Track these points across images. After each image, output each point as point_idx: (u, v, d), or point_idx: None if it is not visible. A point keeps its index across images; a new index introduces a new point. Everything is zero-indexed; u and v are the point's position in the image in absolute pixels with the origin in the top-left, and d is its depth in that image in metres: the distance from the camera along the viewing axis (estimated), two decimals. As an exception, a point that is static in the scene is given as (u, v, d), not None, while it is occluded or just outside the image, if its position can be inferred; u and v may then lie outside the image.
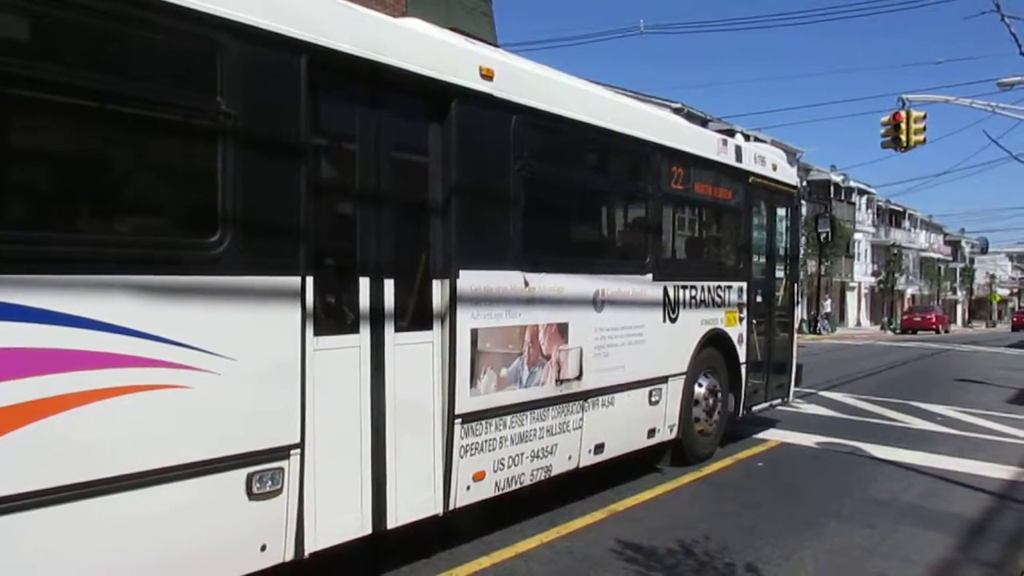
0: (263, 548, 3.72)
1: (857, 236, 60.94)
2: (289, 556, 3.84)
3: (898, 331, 48.57)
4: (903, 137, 17.64)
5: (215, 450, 3.50)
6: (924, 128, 17.89)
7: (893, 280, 59.06)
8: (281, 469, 3.75)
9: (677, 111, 37.11)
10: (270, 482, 3.70)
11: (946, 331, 49.52)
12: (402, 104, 4.50)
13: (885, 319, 54.40)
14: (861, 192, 59.60)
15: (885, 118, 18.07)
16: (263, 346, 3.69)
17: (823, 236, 9.39)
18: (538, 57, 6.00)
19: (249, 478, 3.63)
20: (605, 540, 5.24)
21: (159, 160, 3.54)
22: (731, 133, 29.79)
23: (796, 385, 9.13)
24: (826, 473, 7.31)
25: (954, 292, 76.96)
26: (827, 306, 41.40)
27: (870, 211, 62.47)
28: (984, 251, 57.51)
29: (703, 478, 6.89)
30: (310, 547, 3.92)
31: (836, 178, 52.20)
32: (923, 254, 72.38)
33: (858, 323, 58.26)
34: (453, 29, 5.40)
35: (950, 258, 79.02)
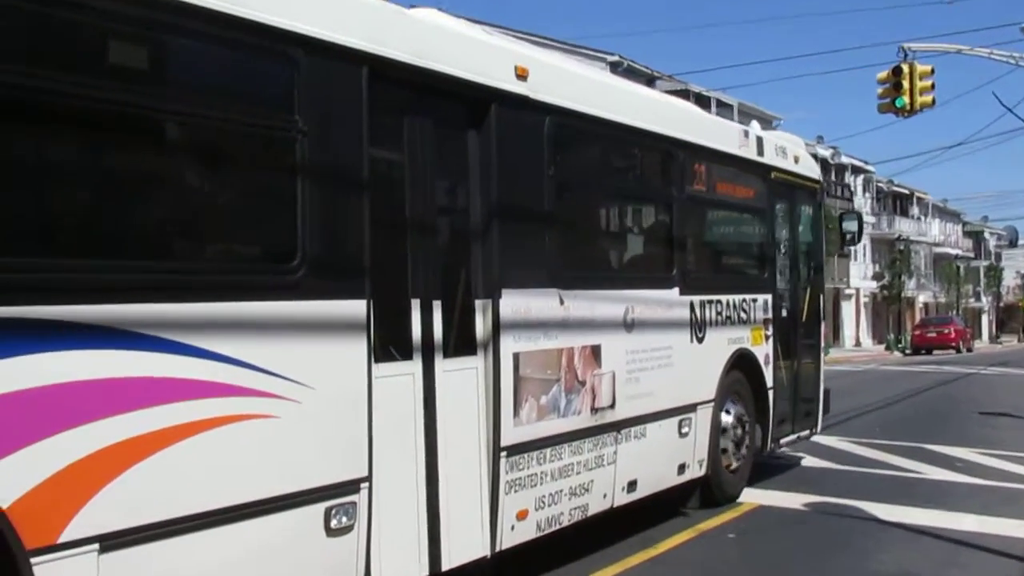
0: (337, 587, 4.89)
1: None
2: (357, 598, 5.02)
3: (908, 351, 52.08)
4: (906, 98, 18.66)
5: (299, 482, 4.66)
6: (932, 86, 18.98)
7: (900, 284, 62.45)
8: (354, 503, 4.93)
9: (615, 66, 39.06)
10: (344, 517, 4.87)
11: (968, 349, 53.22)
12: (445, 112, 5.78)
13: (891, 336, 57.94)
14: (856, 171, 63.44)
15: (883, 74, 19.20)
16: (336, 373, 4.87)
17: (849, 237, 11.06)
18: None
19: (327, 512, 4.79)
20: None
21: (245, 183, 4.72)
22: (686, 94, 31.60)
23: (824, 413, 10.77)
24: (816, 545, 7.65)
25: (977, 298, 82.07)
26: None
27: (868, 195, 66.44)
28: (1014, 244, 61.58)
29: (656, 558, 7.25)
30: (377, 589, 5.11)
31: (824, 152, 55.09)
32: (937, 249, 77.22)
33: (857, 342, 61.84)
34: None
35: (971, 254, 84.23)
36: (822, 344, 10.95)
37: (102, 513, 3.84)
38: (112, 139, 4.19)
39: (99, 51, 4.09)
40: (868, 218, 64.04)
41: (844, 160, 60.36)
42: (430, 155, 5.66)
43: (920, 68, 19.00)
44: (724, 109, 42.98)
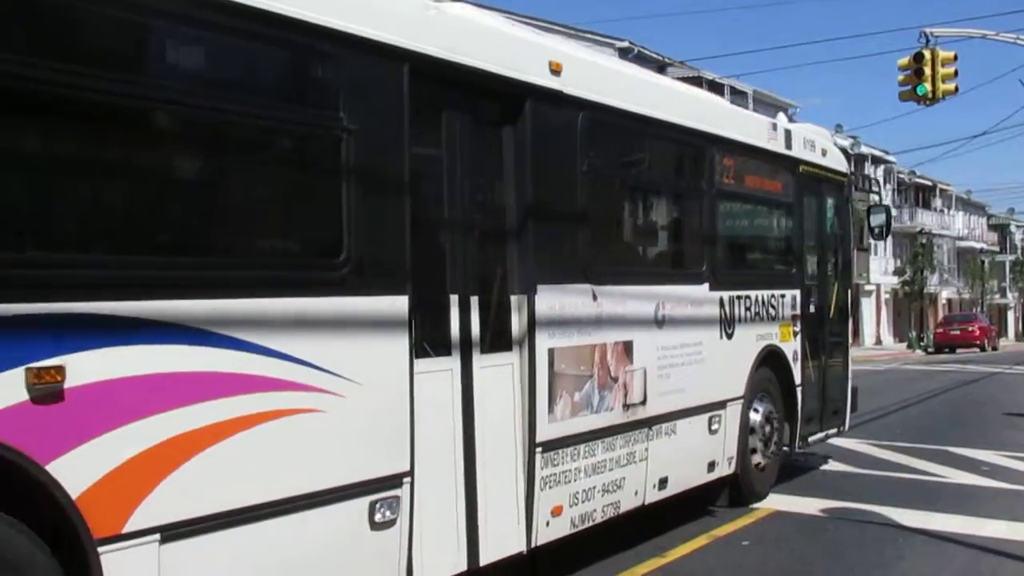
0: (380, 582, 5.13)
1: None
2: (399, 592, 5.26)
3: (931, 349, 52.25)
4: (928, 85, 18.68)
5: (345, 476, 4.89)
6: (955, 73, 19.00)
7: (922, 280, 62.68)
8: (397, 497, 5.16)
9: (625, 52, 39.24)
10: (388, 511, 5.10)
11: (994, 347, 53.31)
12: (481, 108, 6.01)
13: (913, 334, 58.15)
14: (876, 161, 63.60)
15: (904, 60, 19.23)
16: (379, 369, 5.10)
17: (877, 231, 11.26)
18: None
19: (372, 506, 5.02)
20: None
21: (294, 181, 4.97)
22: (698, 81, 31.71)
23: (852, 411, 10.99)
24: (834, 553, 7.65)
25: (1003, 294, 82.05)
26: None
27: (888, 186, 66.58)
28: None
29: (667, 566, 7.25)
30: (419, 583, 5.34)
31: (843, 142, 55.53)
32: (960, 243, 77.36)
33: (878, 340, 62.03)
34: None
35: (996, 248, 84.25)
36: (850, 340, 11.17)
37: (162, 505, 4.07)
38: (172, 141, 4.45)
39: (167, 54, 4.37)
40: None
41: (864, 150, 60.47)
42: (467, 151, 5.89)
43: (943, 54, 18.97)
44: (738, 96, 42.95)
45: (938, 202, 75.44)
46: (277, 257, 4.88)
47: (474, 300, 5.85)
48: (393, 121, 5.25)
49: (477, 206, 6.06)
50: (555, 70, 6.44)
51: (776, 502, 9.22)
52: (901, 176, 68.75)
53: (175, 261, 4.30)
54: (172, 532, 4.12)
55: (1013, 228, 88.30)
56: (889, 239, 65.37)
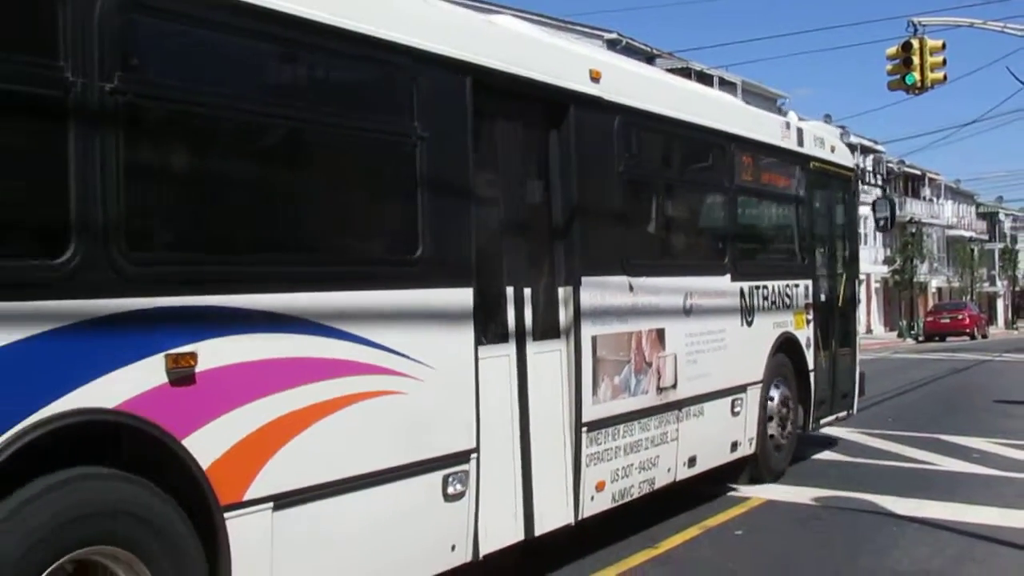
0: (453, 548, 5.67)
1: (862, 210, 65.49)
2: (468, 557, 5.79)
3: (921, 338, 53.01)
4: (916, 74, 18.76)
5: (422, 452, 5.43)
6: (944, 62, 19.14)
7: (912, 269, 63.34)
8: (466, 472, 5.71)
9: (613, 43, 39.67)
10: (459, 484, 5.65)
11: (983, 335, 54.06)
12: (531, 114, 6.56)
13: (903, 322, 58.86)
14: (865, 150, 64.24)
15: (892, 49, 19.37)
16: (450, 354, 5.64)
17: (881, 223, 11.86)
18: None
19: (445, 479, 5.57)
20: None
21: (378, 185, 5.52)
22: (687, 72, 31.94)
23: (860, 395, 11.58)
24: (828, 541, 7.72)
25: (992, 282, 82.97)
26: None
27: (878, 175, 67.37)
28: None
29: (659, 557, 7.27)
30: (483, 550, 5.88)
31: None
32: (950, 232, 78.10)
33: (868, 329, 62.60)
34: None
35: (985, 236, 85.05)
36: (857, 327, 11.76)
37: (275, 476, 4.60)
38: (287, 156, 5.03)
39: (286, 78, 5.05)
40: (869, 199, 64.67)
41: (853, 140, 60.79)
42: (518, 154, 6.47)
43: (931, 43, 19.11)
44: (727, 87, 43.07)
45: (927, 191, 76.21)
46: (366, 254, 5.46)
47: (527, 292, 6.39)
48: (458, 128, 5.79)
49: (528, 204, 6.61)
50: (595, 77, 6.98)
51: (768, 492, 9.32)
52: (890, 165, 69.44)
53: (285, 258, 4.85)
54: (283, 500, 4.66)
55: (1002, 216, 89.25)
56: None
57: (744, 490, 9.30)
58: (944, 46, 19.25)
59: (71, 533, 3.81)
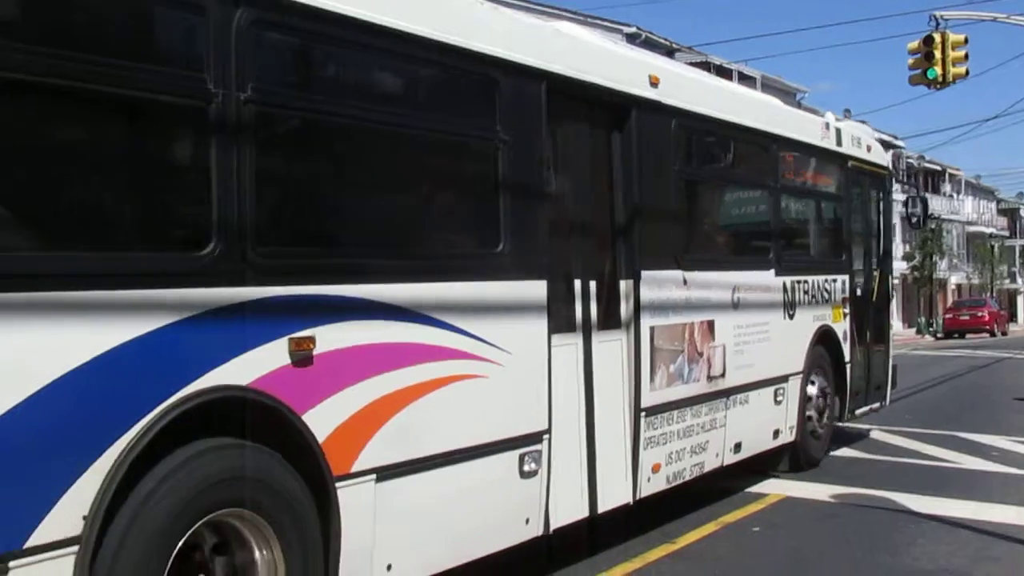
0: (527, 521, 6.14)
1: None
2: (540, 531, 6.26)
3: (940, 335, 53.24)
4: (938, 69, 19.03)
5: (502, 431, 5.90)
6: (966, 56, 19.34)
7: (932, 265, 63.49)
8: (540, 451, 6.18)
9: (632, 37, 39.93)
10: (533, 463, 6.12)
11: (1003, 332, 54.28)
12: (597, 118, 7.03)
13: (922, 319, 59.06)
14: (885, 146, 63.96)
15: (914, 44, 19.61)
16: (527, 341, 6.12)
17: (914, 220, 12.27)
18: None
19: (521, 458, 6.04)
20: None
21: (468, 185, 6.02)
22: (707, 66, 32.05)
23: (892, 387, 12.01)
24: (846, 538, 7.73)
25: (1013, 279, 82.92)
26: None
27: (898, 171, 67.60)
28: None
29: (677, 552, 7.35)
30: (553, 524, 6.35)
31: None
32: (970, 228, 78.13)
33: (888, 325, 62.92)
34: None
35: (1006, 233, 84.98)
36: (891, 321, 12.21)
37: (377, 450, 5.08)
38: (390, 156, 5.51)
39: (394, 87, 5.58)
40: (897, 196, 64.96)
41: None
42: (585, 155, 6.94)
43: (953, 37, 19.24)
44: (746, 81, 43.11)
45: (947, 187, 76.33)
46: (457, 248, 5.97)
47: (592, 284, 6.85)
48: (534, 132, 6.26)
49: (593, 202, 7.09)
50: (653, 82, 7.43)
51: (786, 488, 9.38)
52: (910, 161, 69.55)
53: (389, 252, 5.35)
54: (384, 472, 5.14)
55: (1023, 213, 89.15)
56: (897, 224, 66.40)
57: (762, 486, 9.41)
58: (966, 40, 19.33)
59: (213, 495, 4.30)
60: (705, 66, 35.51)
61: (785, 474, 9.83)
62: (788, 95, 48.56)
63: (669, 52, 38.52)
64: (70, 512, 3.77)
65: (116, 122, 4.25)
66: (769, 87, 46.22)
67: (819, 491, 9.25)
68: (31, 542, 3.65)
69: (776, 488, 9.38)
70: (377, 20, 5.11)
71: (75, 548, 3.79)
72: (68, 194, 4.06)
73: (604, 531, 7.19)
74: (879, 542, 7.59)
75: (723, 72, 38.44)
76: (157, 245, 4.32)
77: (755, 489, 9.33)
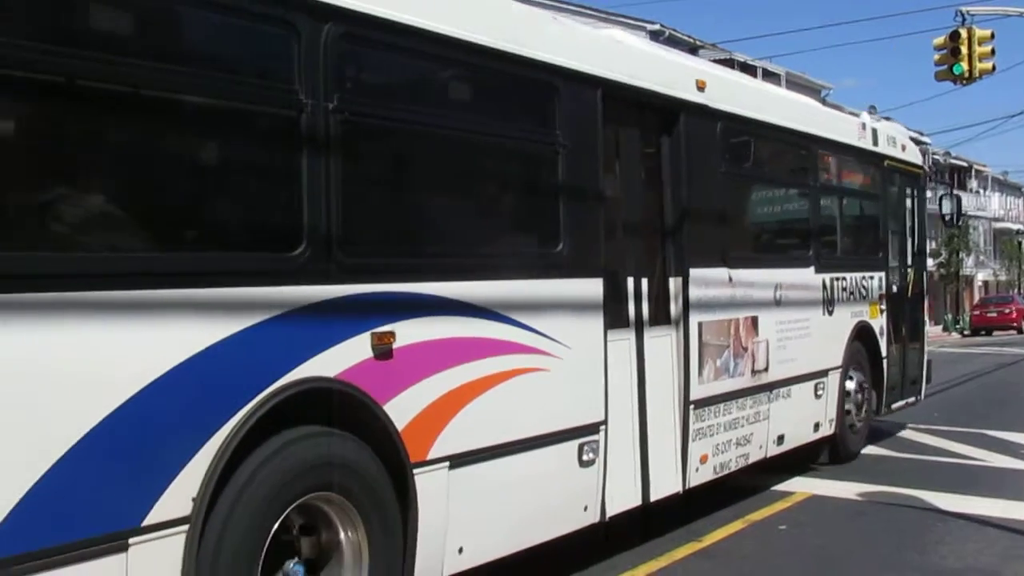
0: (585, 508, 6.44)
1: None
2: (597, 518, 6.57)
3: (967, 332, 53.05)
4: (964, 65, 18.80)
5: (561, 422, 6.21)
6: (992, 52, 19.13)
7: (958, 262, 63.33)
8: (597, 441, 6.48)
9: (655, 35, 40.00)
10: (591, 452, 6.43)
11: (1031, 329, 54.14)
12: (648, 122, 7.33)
13: (949, 316, 58.91)
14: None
15: (939, 39, 19.37)
16: (584, 336, 6.43)
17: (947, 217, 12.52)
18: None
19: (580, 448, 6.35)
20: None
21: (533, 185, 6.37)
22: (730, 63, 31.85)
23: (927, 382, 12.26)
24: (873, 537, 7.74)
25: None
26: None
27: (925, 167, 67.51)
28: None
29: (703, 551, 7.37)
30: (609, 512, 6.65)
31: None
32: (997, 225, 77.90)
33: (914, 322, 62.85)
34: None
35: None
36: (925, 318, 12.45)
37: (450, 439, 5.40)
38: (461, 161, 5.87)
39: (470, 97, 6.01)
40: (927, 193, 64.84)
41: (898, 132, 61.29)
42: (637, 158, 7.25)
43: (979, 32, 19.02)
44: (770, 78, 42.82)
45: (974, 183, 76.08)
46: (522, 247, 6.30)
47: (644, 282, 7.16)
48: (591, 137, 6.56)
49: (644, 203, 7.39)
50: (700, 87, 7.72)
51: (813, 486, 9.41)
52: (936, 157, 69.39)
53: (461, 252, 5.69)
54: (456, 460, 5.46)
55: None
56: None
57: (788, 484, 9.44)
58: (993, 35, 19.13)
59: (306, 480, 4.64)
60: (729, 63, 35.52)
61: (813, 472, 9.93)
62: (813, 92, 48.31)
63: (692, 49, 38.29)
64: (181, 494, 4.11)
65: (223, 132, 4.61)
66: (794, 83, 46.06)
67: (846, 489, 9.27)
68: (148, 520, 3.99)
69: (803, 486, 9.42)
70: (453, 33, 5.45)
71: (185, 527, 4.13)
72: (181, 198, 4.41)
73: (629, 528, 7.22)
74: (907, 540, 7.61)
75: (747, 69, 38.37)
76: (257, 245, 4.67)
77: (782, 487, 9.38)
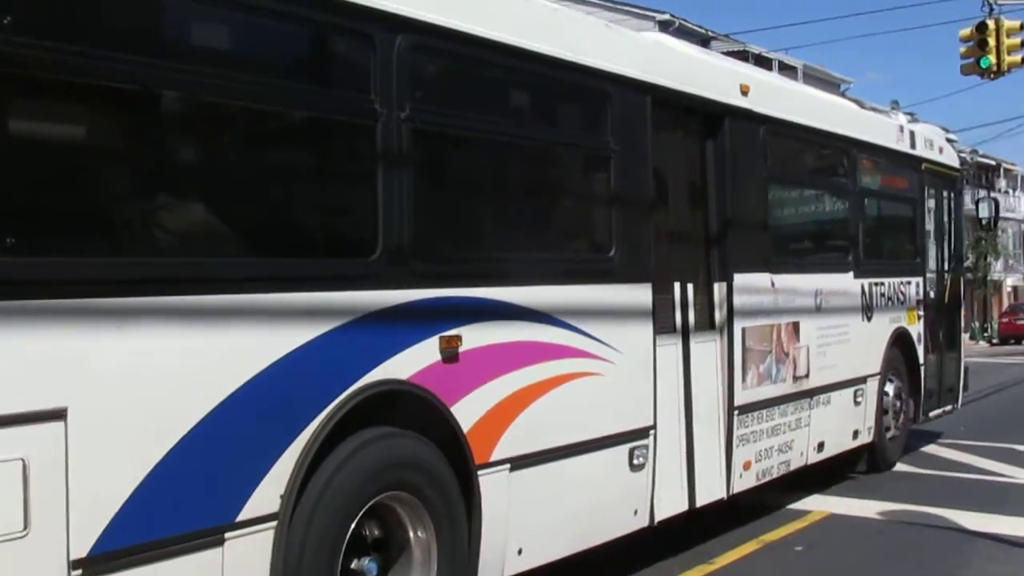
0: (635, 513, 6.83)
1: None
2: (646, 522, 6.95)
3: (995, 340, 53.20)
4: (992, 57, 18.73)
5: (613, 427, 6.59)
6: (1021, 44, 19.15)
7: (986, 267, 63.43)
8: (647, 446, 6.87)
9: (665, 25, 39.93)
10: (641, 457, 6.81)
11: (1063, 337, 54.26)
12: (694, 127, 7.72)
13: (976, 324, 59.07)
14: (936, 140, 64.76)
15: (966, 31, 19.28)
16: (635, 341, 6.80)
17: (984, 221, 12.93)
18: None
19: (631, 451, 6.72)
20: None
21: (589, 193, 6.79)
22: (744, 56, 31.81)
23: (964, 390, 12.65)
24: (893, 559, 7.64)
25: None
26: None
27: (949, 167, 67.66)
28: None
29: (714, 573, 7.34)
30: (658, 516, 7.03)
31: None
32: (1026, 227, 78.09)
33: (939, 329, 62.99)
34: None
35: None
36: (963, 324, 12.84)
37: (512, 442, 5.76)
38: (520, 169, 6.29)
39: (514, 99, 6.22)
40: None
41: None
42: (683, 163, 7.65)
43: (1008, 23, 19.00)
44: (787, 71, 42.03)
45: (1002, 183, 76.10)
46: (576, 253, 6.70)
47: (689, 287, 7.53)
48: (640, 142, 6.95)
49: (690, 208, 7.78)
50: (744, 91, 8.12)
51: (831, 504, 9.33)
52: (962, 155, 69.01)
53: (522, 257, 6.06)
54: (517, 462, 5.82)
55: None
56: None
57: (805, 503, 9.39)
58: (1022, 27, 19.15)
59: (381, 479, 5.00)
60: (743, 56, 35.08)
61: (830, 489, 9.90)
62: (832, 86, 48.33)
63: (704, 41, 37.69)
64: (270, 491, 4.48)
65: (308, 142, 5.04)
66: (811, 77, 45.75)
67: (866, 507, 9.18)
68: (241, 516, 4.36)
69: (820, 504, 9.37)
70: (516, 43, 5.83)
71: (274, 523, 4.50)
72: (275, 208, 4.85)
73: (637, 550, 7.25)
74: (929, 562, 7.53)
75: (762, 62, 37.81)
76: (338, 251, 5.12)
77: (798, 505, 9.32)
